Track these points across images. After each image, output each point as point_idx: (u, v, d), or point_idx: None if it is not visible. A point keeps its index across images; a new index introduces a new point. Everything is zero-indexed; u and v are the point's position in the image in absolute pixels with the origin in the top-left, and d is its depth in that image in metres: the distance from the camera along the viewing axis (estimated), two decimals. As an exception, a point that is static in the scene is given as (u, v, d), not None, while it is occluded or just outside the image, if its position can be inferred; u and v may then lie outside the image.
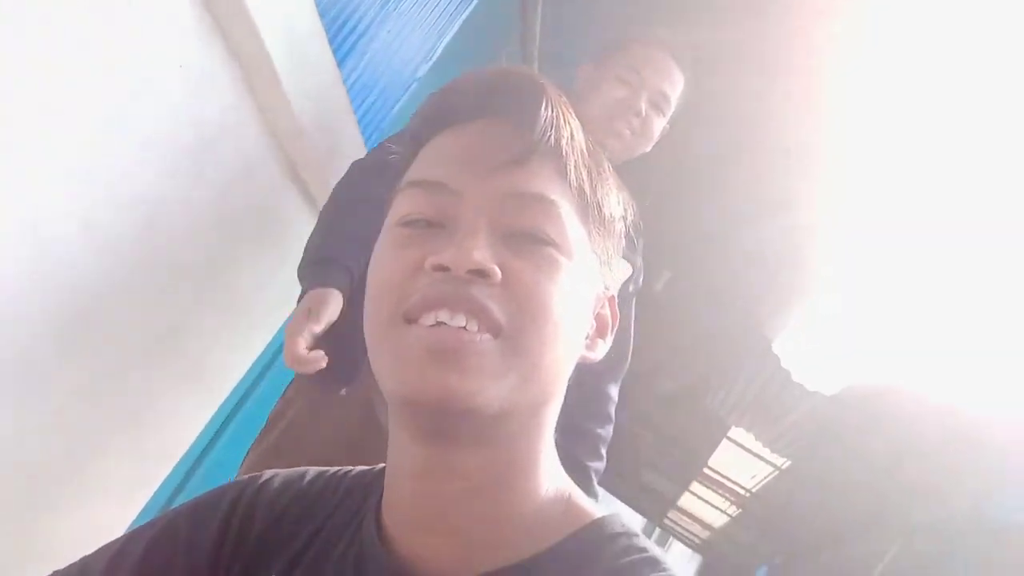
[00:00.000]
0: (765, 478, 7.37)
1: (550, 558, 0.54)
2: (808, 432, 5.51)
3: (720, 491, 8.73)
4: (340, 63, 1.62)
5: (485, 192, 0.55)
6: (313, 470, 0.68)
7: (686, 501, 10.14)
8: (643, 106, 1.49)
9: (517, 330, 0.52)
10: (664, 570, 0.52)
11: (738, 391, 5.54)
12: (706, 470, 8.26)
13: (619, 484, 11.65)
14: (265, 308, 1.76)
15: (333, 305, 1.17)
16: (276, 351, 2.14)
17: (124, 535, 0.65)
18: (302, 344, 1.11)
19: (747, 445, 6.72)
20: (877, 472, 5.31)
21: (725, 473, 8.02)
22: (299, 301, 1.22)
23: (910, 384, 4.11)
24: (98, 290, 1.18)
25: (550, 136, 0.56)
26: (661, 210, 3.51)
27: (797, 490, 6.93)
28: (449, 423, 0.52)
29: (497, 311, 0.52)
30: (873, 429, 4.78)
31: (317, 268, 1.24)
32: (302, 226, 1.68)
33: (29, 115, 0.94)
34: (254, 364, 1.89)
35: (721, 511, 9.54)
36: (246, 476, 0.69)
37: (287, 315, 1.33)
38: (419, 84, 2.00)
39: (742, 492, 8.20)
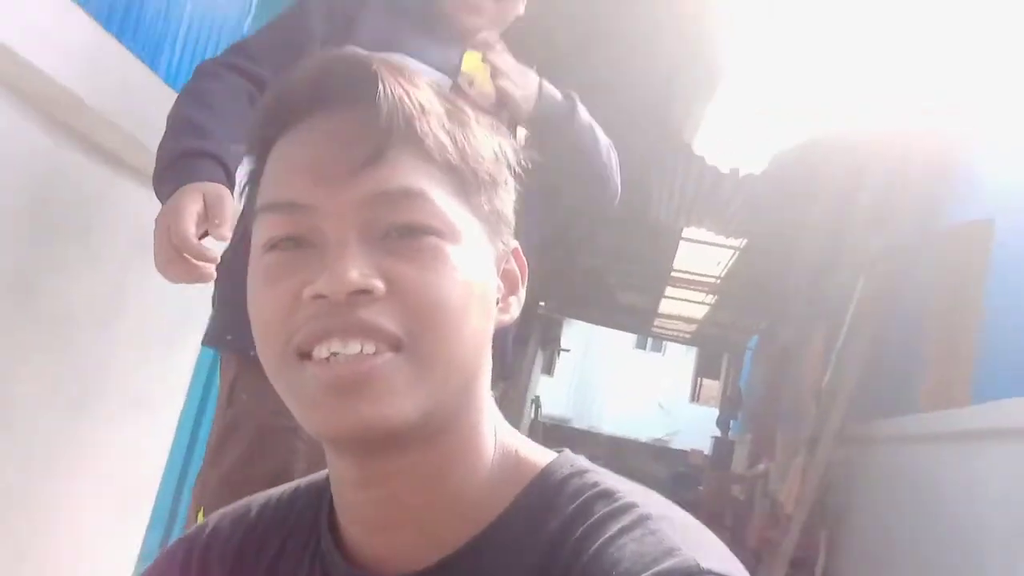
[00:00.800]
0: (728, 261, 7.62)
1: (504, 523, 0.53)
2: (752, 209, 5.67)
3: (693, 287, 9.06)
4: (152, 48, 1.51)
5: (344, 200, 0.50)
6: (259, 498, 0.66)
7: (666, 306, 10.55)
8: None
9: (417, 338, 0.49)
10: (617, 499, 0.51)
11: (678, 196, 5.64)
12: (674, 274, 8.52)
13: (600, 315, 12.10)
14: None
15: (229, 201, 1.01)
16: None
17: None
18: (191, 228, 0.96)
19: (703, 239, 6.90)
20: (824, 221, 5.51)
21: (692, 270, 8.27)
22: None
23: (826, 133, 4.20)
24: None
25: (399, 121, 0.51)
26: (548, 63, 3.42)
27: (760, 261, 7.20)
28: (373, 445, 0.50)
29: (390, 324, 0.48)
30: (812, 183, 4.92)
31: (178, 165, 1.07)
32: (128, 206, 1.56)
33: None
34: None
35: (699, 303, 9.95)
36: (189, 531, 0.67)
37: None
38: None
39: (712, 280, 8.51)
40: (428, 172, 0.52)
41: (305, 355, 0.49)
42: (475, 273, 0.53)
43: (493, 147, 0.56)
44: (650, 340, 16.85)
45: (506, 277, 0.59)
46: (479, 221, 0.55)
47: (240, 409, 1.13)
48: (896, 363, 4.39)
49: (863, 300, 5.01)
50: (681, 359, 17.69)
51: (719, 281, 8.44)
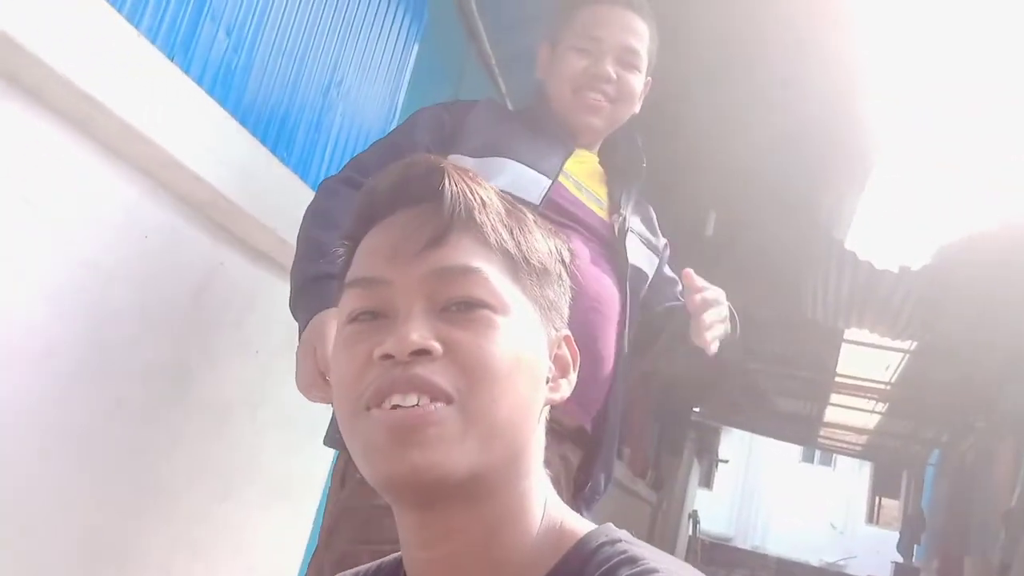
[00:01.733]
0: (899, 365, 7.10)
1: None
2: (919, 308, 5.30)
3: (861, 393, 8.46)
4: (304, 156, 1.68)
5: (412, 275, 0.59)
6: (362, 569, 0.73)
7: (832, 415, 9.88)
8: (609, 69, 1.39)
9: (467, 393, 0.56)
10: (640, 564, 0.54)
11: (833, 295, 5.38)
12: (838, 379, 8.02)
13: (760, 422, 11.46)
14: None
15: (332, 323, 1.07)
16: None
17: None
18: (311, 366, 1.07)
19: (867, 340, 6.49)
20: (1000, 322, 5.06)
21: (858, 375, 7.76)
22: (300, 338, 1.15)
23: (988, 224, 3.92)
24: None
25: (460, 210, 0.60)
26: (689, 156, 3.46)
27: (934, 366, 6.66)
28: (425, 493, 0.56)
29: (444, 382, 0.56)
30: (980, 284, 4.56)
31: (311, 290, 1.17)
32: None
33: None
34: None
35: (870, 411, 9.25)
36: None
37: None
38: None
39: (882, 386, 7.92)
40: (485, 255, 0.61)
41: (371, 409, 0.57)
42: (523, 344, 0.60)
43: (548, 245, 0.66)
44: (818, 453, 15.75)
45: (557, 360, 0.66)
46: (530, 302, 0.62)
47: (352, 492, 1.18)
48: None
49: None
50: (855, 475, 16.35)
51: (889, 387, 7.84)
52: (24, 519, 1.15)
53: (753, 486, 16.27)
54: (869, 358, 7.13)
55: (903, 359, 6.86)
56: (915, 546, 10.24)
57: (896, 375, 7.37)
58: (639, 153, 1.50)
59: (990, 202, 4.03)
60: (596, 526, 0.62)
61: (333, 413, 1.38)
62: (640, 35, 1.43)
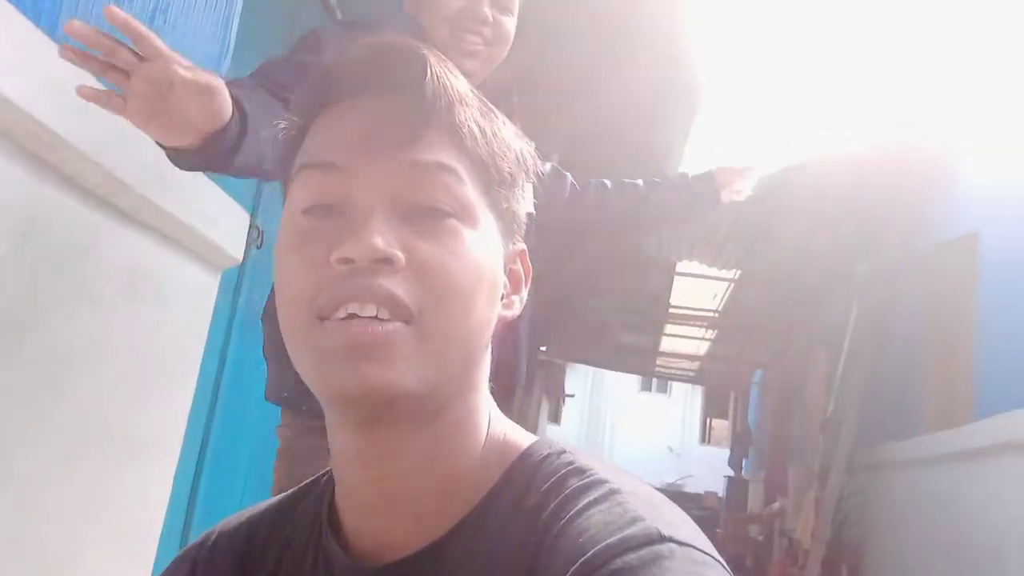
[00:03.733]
0: (725, 294, 7.64)
1: (488, 505, 0.56)
2: (741, 238, 5.70)
3: (692, 323, 9.05)
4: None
5: (380, 170, 0.54)
6: (264, 503, 0.69)
7: (667, 344, 10.53)
8: (487, 11, 1.36)
9: (427, 313, 0.53)
10: (589, 475, 0.54)
11: (667, 232, 5.67)
12: (672, 310, 8.53)
13: (603, 357, 12.05)
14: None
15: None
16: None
17: None
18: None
19: (697, 272, 6.92)
20: (813, 248, 5.55)
21: (689, 305, 8.28)
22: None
23: (807, 157, 4.25)
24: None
25: (441, 105, 0.55)
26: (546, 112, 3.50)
27: (756, 293, 7.22)
28: (376, 412, 0.53)
29: (405, 296, 0.52)
30: (794, 214, 4.97)
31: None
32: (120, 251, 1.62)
33: None
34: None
35: (700, 339, 9.94)
36: (198, 538, 0.69)
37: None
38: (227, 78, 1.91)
39: (711, 314, 8.51)
40: (458, 156, 0.56)
41: (325, 317, 0.53)
42: (486, 261, 0.57)
43: (516, 150, 0.61)
44: (655, 381, 16.78)
45: (512, 276, 0.63)
46: (494, 215, 0.59)
47: (286, 444, 1.28)
48: (898, 386, 4.37)
49: (858, 327, 5.01)
50: (688, 400, 17.57)
51: (717, 315, 8.44)
52: None
53: (597, 417, 17.12)
54: (698, 288, 7.63)
55: (728, 288, 7.39)
56: (744, 460, 11.19)
57: (722, 303, 7.94)
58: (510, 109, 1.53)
59: (802, 138, 4.37)
60: (537, 438, 0.61)
61: (269, 366, 1.35)
62: None
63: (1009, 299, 3.18)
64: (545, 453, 0.58)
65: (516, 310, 0.63)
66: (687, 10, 3.29)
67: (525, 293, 0.64)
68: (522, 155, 0.62)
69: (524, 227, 0.63)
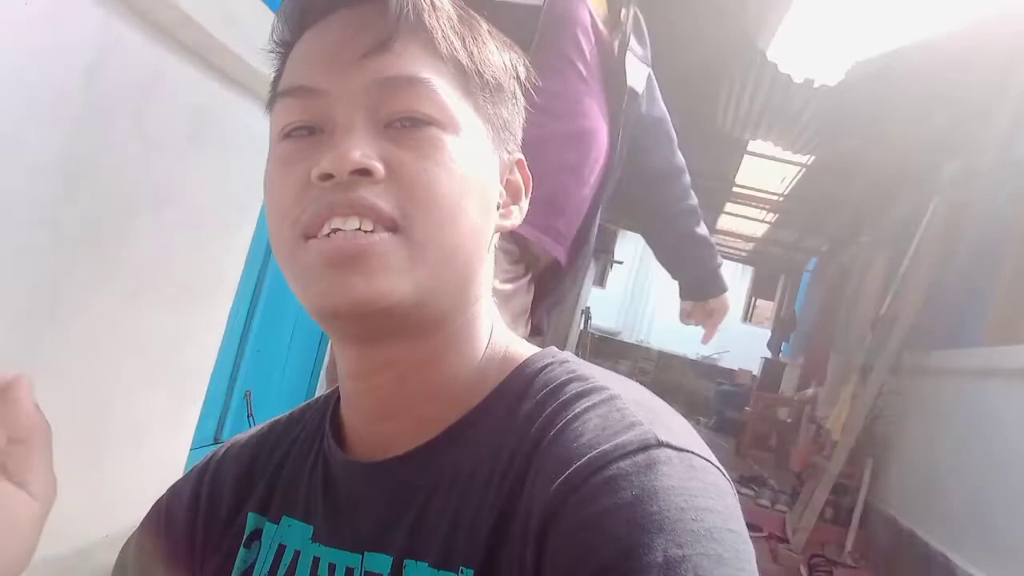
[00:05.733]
0: (793, 179, 7.36)
1: (485, 408, 0.56)
2: (824, 124, 5.41)
3: (755, 204, 8.80)
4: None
5: (352, 85, 0.53)
6: (274, 418, 0.72)
7: (725, 222, 10.31)
8: None
9: (412, 221, 0.52)
10: (589, 382, 0.54)
11: (746, 105, 5.40)
12: (735, 189, 8.28)
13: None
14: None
15: None
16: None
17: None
18: None
19: (769, 153, 6.64)
20: (897, 141, 5.25)
21: (754, 186, 8.02)
22: None
23: (908, 48, 3.93)
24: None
25: (408, 12, 0.54)
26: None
27: (826, 181, 6.93)
28: (369, 325, 0.53)
29: (387, 206, 0.51)
30: (885, 103, 4.66)
31: None
32: (240, 115, 1.58)
33: None
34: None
35: (760, 221, 9.69)
36: (215, 448, 0.73)
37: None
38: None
39: (774, 198, 8.25)
40: (434, 65, 0.55)
41: (311, 236, 0.52)
42: (474, 167, 0.55)
43: (503, 59, 0.60)
44: (705, 256, 16.66)
45: (509, 186, 0.62)
46: (481, 120, 0.58)
47: None
48: (960, 295, 4.23)
49: (932, 226, 4.80)
50: (738, 278, 17.45)
51: (782, 199, 8.18)
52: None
53: (642, 286, 17.16)
54: (767, 170, 7.35)
55: (799, 172, 7.11)
56: (783, 344, 11.21)
57: (790, 188, 7.66)
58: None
59: (897, 26, 4.02)
60: (541, 350, 0.61)
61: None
62: None
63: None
64: (547, 362, 0.58)
65: (515, 220, 0.62)
66: None
67: (526, 203, 0.64)
68: (511, 64, 0.60)
69: (519, 137, 0.62)
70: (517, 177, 0.63)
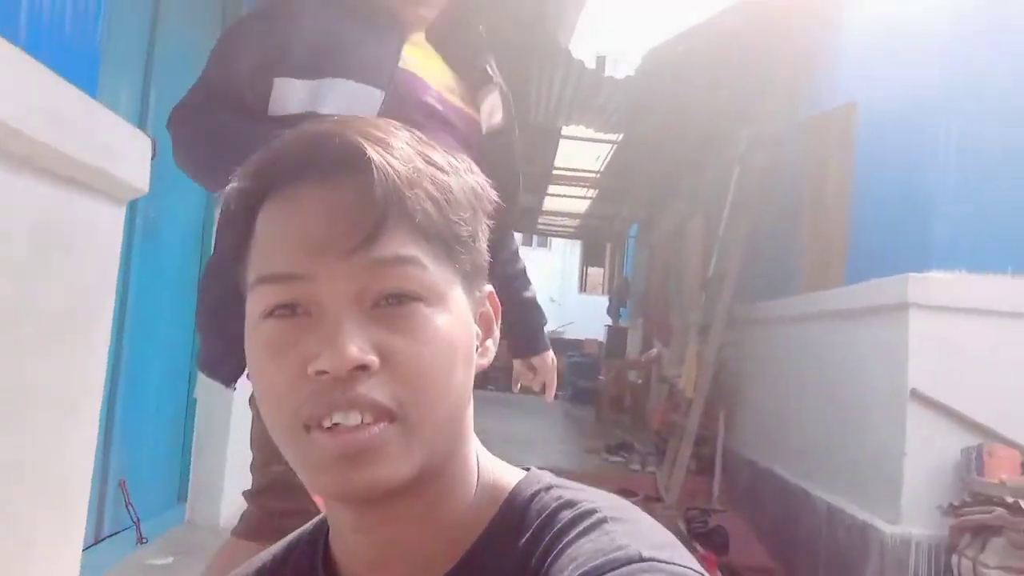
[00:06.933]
0: (607, 156, 7.76)
1: (482, 546, 0.59)
2: (628, 106, 5.74)
3: (574, 183, 9.19)
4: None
5: (341, 273, 0.54)
6: (262, 555, 0.70)
7: (550, 204, 10.68)
8: None
9: (407, 409, 0.54)
10: (578, 507, 0.57)
11: (556, 98, 5.64)
12: (556, 171, 8.61)
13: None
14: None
15: None
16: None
17: None
18: None
19: (581, 136, 6.97)
20: (694, 115, 5.67)
21: (572, 167, 8.38)
22: None
23: (692, 33, 4.27)
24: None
25: (392, 199, 0.54)
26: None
27: (637, 156, 7.37)
28: (372, 502, 0.56)
29: (385, 399, 0.53)
30: (678, 82, 5.02)
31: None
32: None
33: None
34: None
35: (581, 198, 10.14)
36: None
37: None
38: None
39: (592, 175, 8.66)
40: (415, 240, 0.55)
41: (311, 427, 0.54)
42: (459, 333, 0.57)
43: (470, 199, 0.59)
44: (535, 237, 17.13)
45: (482, 321, 0.63)
46: (460, 279, 0.58)
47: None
48: (775, 248, 4.66)
49: (739, 190, 5.25)
50: (567, 252, 18.10)
51: (598, 175, 8.60)
52: None
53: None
54: (583, 151, 7.70)
55: (611, 150, 7.51)
56: (620, 309, 11.79)
57: (604, 164, 8.07)
58: (477, 31, 1.46)
59: (678, 10, 4.35)
60: (522, 473, 0.64)
61: (202, 336, 1.32)
62: None
63: (882, 169, 3.40)
64: (535, 489, 0.61)
65: (491, 355, 0.64)
66: None
67: (497, 333, 0.65)
68: (476, 200, 0.60)
69: (487, 269, 0.63)
70: (488, 309, 0.64)
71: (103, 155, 1.54)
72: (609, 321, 11.90)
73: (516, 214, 1.67)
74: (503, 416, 8.57)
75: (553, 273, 17.53)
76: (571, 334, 14.64)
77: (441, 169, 0.58)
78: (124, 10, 1.94)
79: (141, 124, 2.08)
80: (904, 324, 2.82)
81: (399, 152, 0.56)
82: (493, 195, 0.62)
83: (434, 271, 0.56)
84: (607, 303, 12.53)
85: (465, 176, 0.60)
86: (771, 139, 4.87)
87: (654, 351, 8.07)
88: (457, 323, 0.57)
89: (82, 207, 1.55)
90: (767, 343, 4.65)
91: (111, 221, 1.69)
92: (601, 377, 9.92)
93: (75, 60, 1.56)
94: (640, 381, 8.88)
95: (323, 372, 0.52)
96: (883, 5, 3.66)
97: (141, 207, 2.24)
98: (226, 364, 1.23)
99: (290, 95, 1.21)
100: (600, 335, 12.57)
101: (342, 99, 1.21)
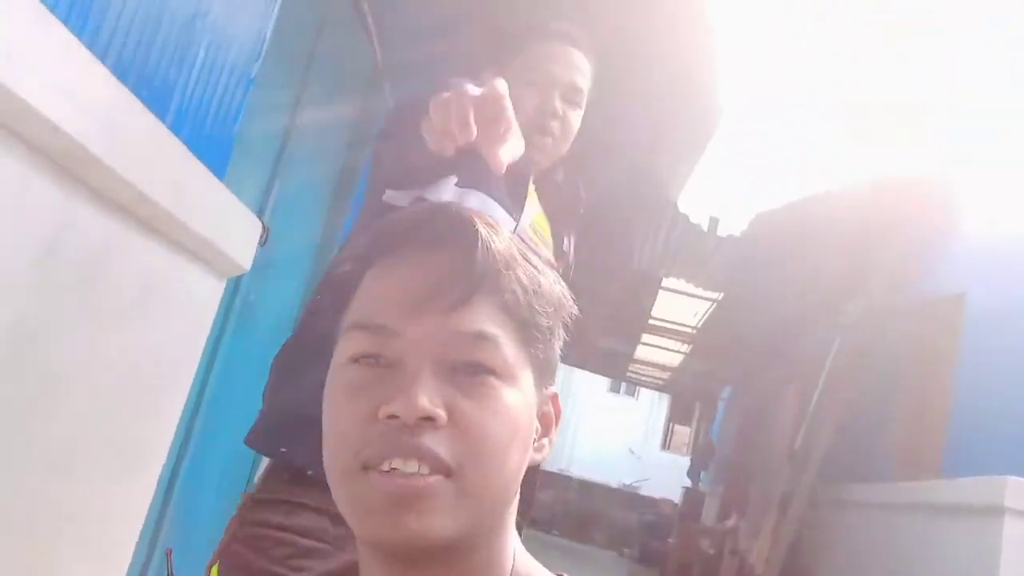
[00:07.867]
0: (705, 313, 7.70)
1: None
2: (733, 265, 5.75)
3: (670, 336, 9.12)
4: (163, 94, 1.53)
5: (427, 334, 0.58)
6: None
7: (642, 352, 10.60)
8: (558, 105, 1.37)
9: (465, 469, 0.56)
10: None
11: (660, 248, 5.71)
12: (652, 321, 8.58)
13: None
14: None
15: None
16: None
17: None
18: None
19: (681, 289, 6.97)
20: (798, 283, 5.61)
21: (669, 319, 8.34)
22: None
23: (807, 197, 4.29)
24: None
25: (489, 272, 0.59)
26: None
27: (736, 316, 7.28)
28: (412, 556, 0.57)
29: (445, 454, 0.56)
30: (785, 249, 5.01)
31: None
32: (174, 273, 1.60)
33: None
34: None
35: (675, 351, 10.01)
36: None
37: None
38: (255, 83, 1.89)
39: (688, 330, 8.58)
40: (501, 320, 0.60)
41: (369, 468, 0.56)
42: (522, 414, 0.60)
43: (555, 300, 0.64)
44: (624, 384, 16.89)
45: (543, 419, 0.66)
46: (532, 368, 0.62)
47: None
48: (868, 430, 4.44)
49: (837, 363, 5.08)
50: (655, 406, 17.72)
51: (695, 331, 8.51)
52: None
53: (564, 411, 17.17)
54: (681, 304, 7.68)
55: (710, 307, 7.46)
56: (701, 472, 11.31)
57: (702, 321, 8.00)
58: (579, 199, 1.51)
59: (798, 178, 4.41)
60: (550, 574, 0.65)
61: (267, 409, 1.30)
62: (584, 73, 1.42)
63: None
64: None
65: (546, 453, 0.66)
66: (707, 35, 3.26)
67: (555, 434, 0.68)
68: (559, 303, 0.64)
69: (556, 370, 0.66)
70: (550, 409, 0.67)
71: (214, 229, 1.67)
72: (688, 483, 11.41)
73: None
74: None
75: (637, 424, 17.13)
76: (646, 490, 14.09)
77: (535, 267, 0.64)
78: (266, 108, 2.14)
79: (260, 211, 2.24)
80: (998, 529, 2.60)
81: (503, 238, 0.62)
82: (575, 311, 0.67)
83: (511, 351, 0.60)
84: (688, 464, 12.06)
85: (554, 283, 0.65)
86: (877, 317, 4.75)
87: (730, 522, 7.65)
88: (523, 404, 0.61)
89: (187, 273, 1.67)
90: (849, 527, 4.34)
91: (210, 292, 1.81)
92: (671, 540, 9.43)
93: (211, 143, 1.73)
94: (712, 551, 8.37)
95: (393, 416, 0.56)
96: (996, 203, 3.62)
97: (243, 288, 2.37)
98: (262, 434, 1.23)
99: (443, 190, 1.20)
100: (676, 496, 12.04)
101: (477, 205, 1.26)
